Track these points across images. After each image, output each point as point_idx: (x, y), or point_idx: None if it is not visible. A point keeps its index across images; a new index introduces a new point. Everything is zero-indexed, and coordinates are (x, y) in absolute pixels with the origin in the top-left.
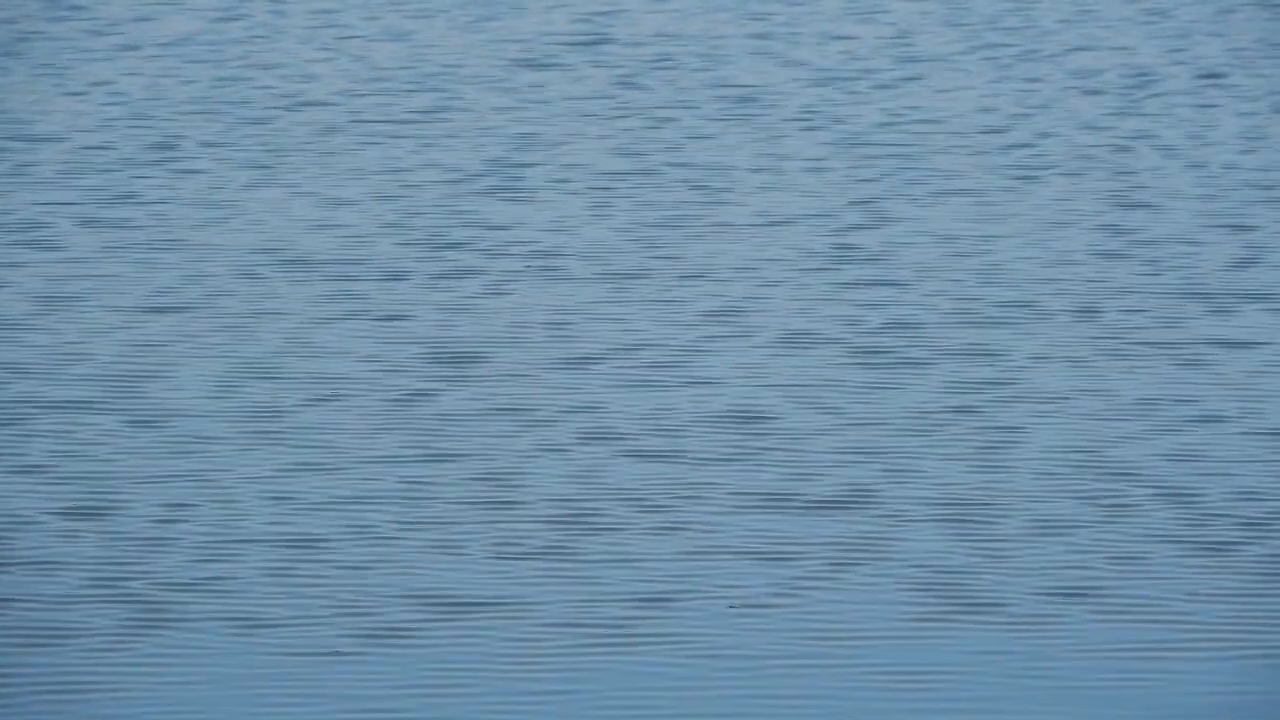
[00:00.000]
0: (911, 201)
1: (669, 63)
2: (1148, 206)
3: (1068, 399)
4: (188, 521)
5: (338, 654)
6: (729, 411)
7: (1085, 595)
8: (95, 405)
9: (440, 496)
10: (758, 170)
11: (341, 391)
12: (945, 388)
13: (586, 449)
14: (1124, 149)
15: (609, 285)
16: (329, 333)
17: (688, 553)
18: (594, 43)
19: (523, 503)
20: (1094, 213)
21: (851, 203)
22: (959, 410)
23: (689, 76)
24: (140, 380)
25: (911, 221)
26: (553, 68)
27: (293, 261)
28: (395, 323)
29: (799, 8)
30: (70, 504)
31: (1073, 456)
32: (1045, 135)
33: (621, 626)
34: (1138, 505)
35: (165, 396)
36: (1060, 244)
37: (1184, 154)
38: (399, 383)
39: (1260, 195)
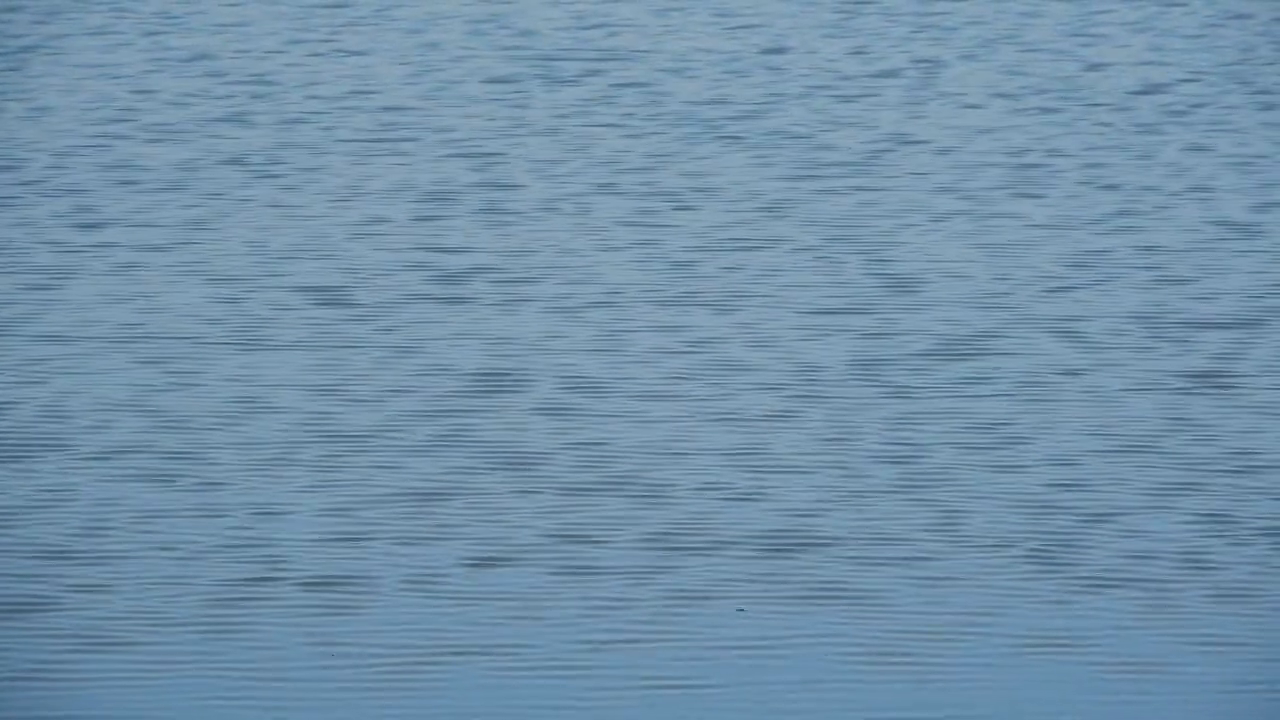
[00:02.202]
0: (894, 222)
1: (654, 78)
2: (1138, 229)
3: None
4: (173, 561)
5: (333, 656)
6: (717, 447)
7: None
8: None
9: (424, 536)
10: (742, 189)
11: (315, 426)
12: (911, 418)
13: (570, 483)
14: (1110, 166)
15: (592, 312)
16: (310, 361)
17: (661, 596)
18: (576, 58)
19: (507, 540)
20: (1079, 234)
21: (837, 223)
22: (920, 446)
23: (672, 93)
24: (117, 411)
25: (894, 246)
26: (532, 84)
27: (271, 287)
28: (372, 351)
29: (780, 22)
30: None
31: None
32: (1030, 154)
33: (595, 668)
34: (1086, 546)
35: (155, 423)
36: (1044, 267)
37: (1172, 173)
38: (375, 417)
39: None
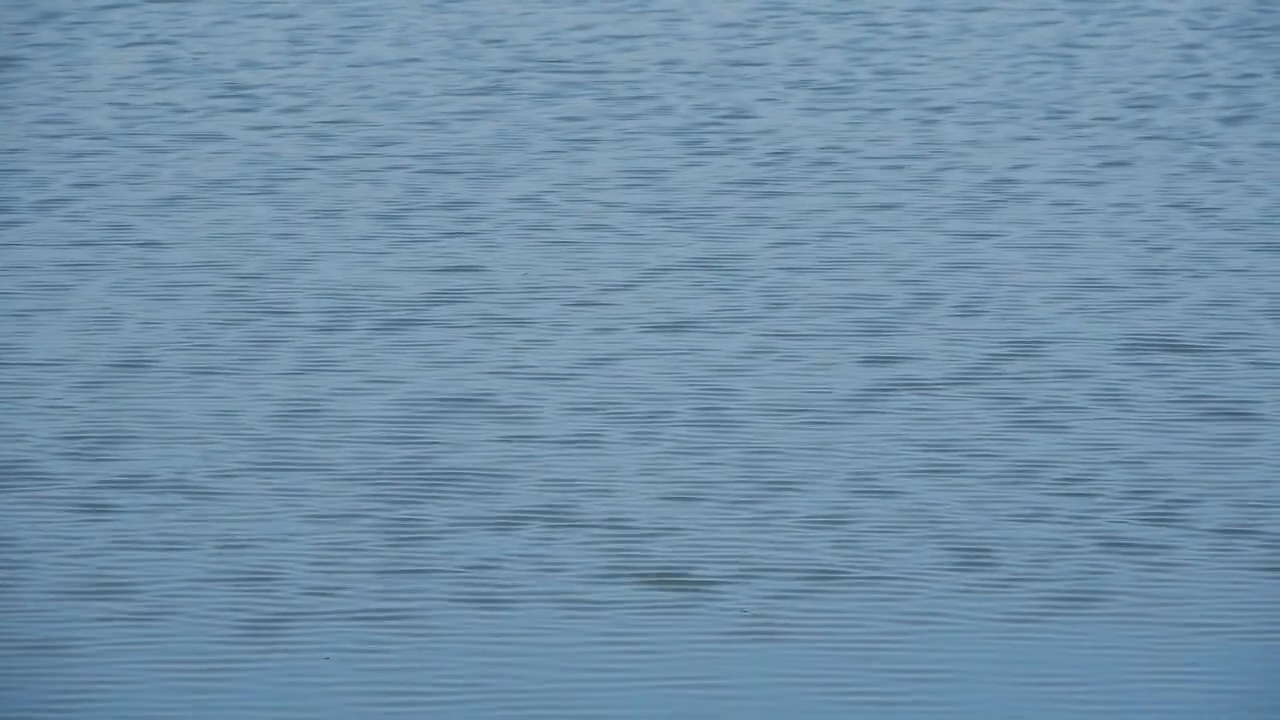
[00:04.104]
0: (867, 242)
1: (637, 93)
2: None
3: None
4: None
5: (328, 659)
6: (683, 477)
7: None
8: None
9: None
10: (719, 202)
11: (282, 452)
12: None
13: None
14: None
15: (566, 331)
16: (282, 384)
17: (610, 636)
18: (548, 71)
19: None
20: (1049, 254)
21: (806, 240)
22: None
23: (650, 104)
24: (86, 439)
25: (860, 265)
26: (507, 97)
27: (243, 307)
28: (329, 375)
29: (760, 31)
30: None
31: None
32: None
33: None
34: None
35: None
36: (1013, 287)
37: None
38: (343, 442)
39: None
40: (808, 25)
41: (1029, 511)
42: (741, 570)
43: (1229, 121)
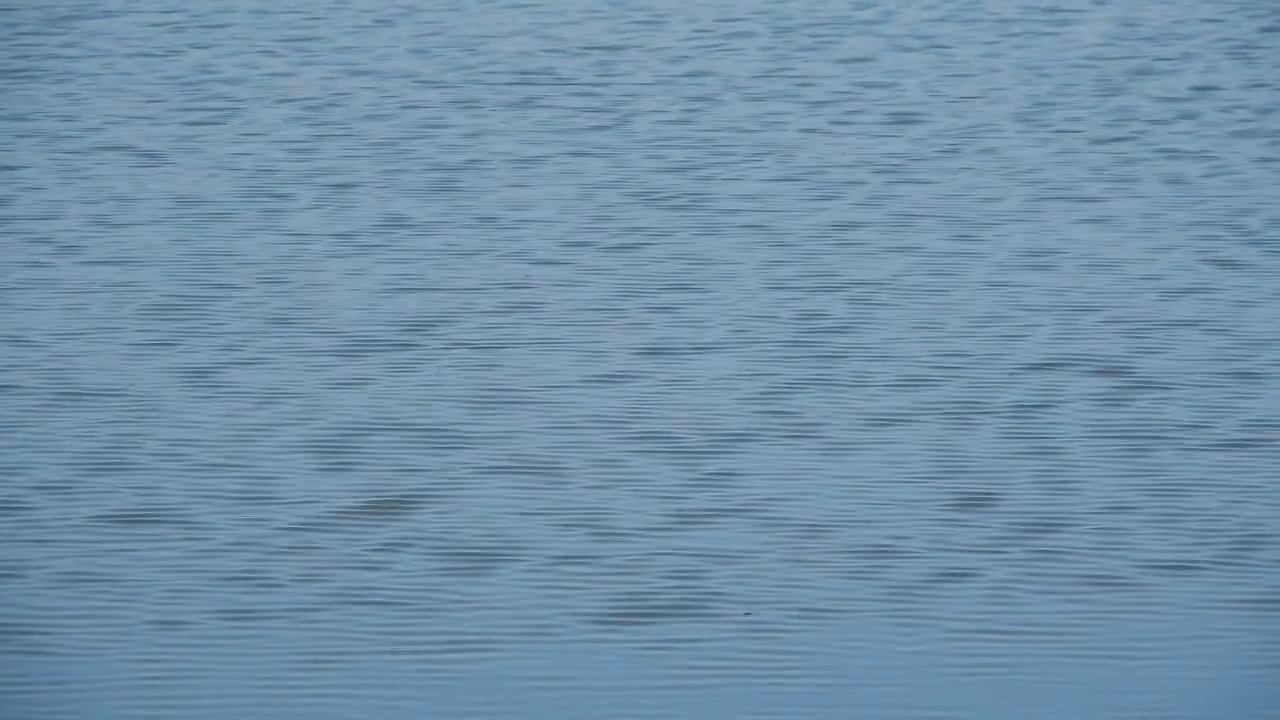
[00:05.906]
0: (835, 265)
1: (612, 104)
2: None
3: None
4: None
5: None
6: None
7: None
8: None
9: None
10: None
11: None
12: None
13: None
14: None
15: (559, 361)
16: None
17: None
18: (531, 81)
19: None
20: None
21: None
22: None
23: (627, 115)
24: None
25: (833, 292)
26: (486, 107)
27: (210, 331)
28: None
29: (740, 40)
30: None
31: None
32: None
33: None
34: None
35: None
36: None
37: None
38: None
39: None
40: (789, 33)
41: (997, 543)
42: (694, 603)
43: (1227, 136)
